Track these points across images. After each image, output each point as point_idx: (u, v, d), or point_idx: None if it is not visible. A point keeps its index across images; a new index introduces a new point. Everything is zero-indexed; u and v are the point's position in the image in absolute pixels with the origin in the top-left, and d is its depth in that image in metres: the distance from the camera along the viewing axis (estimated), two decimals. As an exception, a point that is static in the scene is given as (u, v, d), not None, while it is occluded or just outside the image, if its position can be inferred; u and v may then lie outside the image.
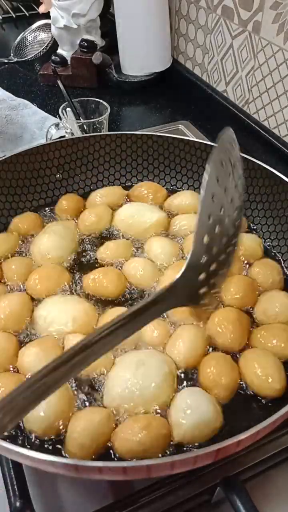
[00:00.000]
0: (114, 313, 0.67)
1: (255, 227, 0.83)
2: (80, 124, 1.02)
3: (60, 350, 0.62)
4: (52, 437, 0.55)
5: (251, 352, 0.62)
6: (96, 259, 0.77)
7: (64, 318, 0.65)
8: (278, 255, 0.78)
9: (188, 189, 0.90)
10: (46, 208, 0.86)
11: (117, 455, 0.53)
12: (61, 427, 0.55)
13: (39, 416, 0.54)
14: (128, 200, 0.87)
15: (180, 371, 0.61)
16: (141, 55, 1.31)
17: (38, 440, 0.55)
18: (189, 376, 0.61)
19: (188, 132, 1.18)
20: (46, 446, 0.54)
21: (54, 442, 0.55)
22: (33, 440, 0.55)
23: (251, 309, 0.69)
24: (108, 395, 0.57)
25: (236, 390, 0.59)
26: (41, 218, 0.83)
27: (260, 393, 0.59)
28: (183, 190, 0.90)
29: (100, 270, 0.73)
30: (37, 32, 1.54)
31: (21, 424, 0.56)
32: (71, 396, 0.58)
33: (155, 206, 0.84)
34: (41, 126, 1.19)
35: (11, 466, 0.54)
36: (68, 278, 0.72)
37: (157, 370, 0.58)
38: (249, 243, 0.76)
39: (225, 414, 0.57)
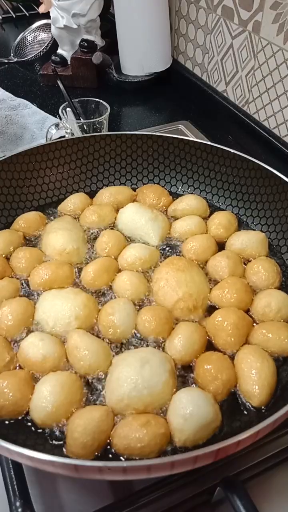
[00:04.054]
0: (113, 304, 0.67)
1: (255, 228, 0.83)
2: (80, 124, 1.02)
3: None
4: (54, 430, 0.55)
5: (245, 354, 0.62)
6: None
7: (66, 318, 0.65)
8: (278, 254, 0.78)
9: (188, 189, 0.90)
10: (47, 208, 0.86)
11: (114, 452, 0.53)
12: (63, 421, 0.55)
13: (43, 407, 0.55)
14: (133, 199, 0.88)
15: (176, 367, 0.61)
16: (141, 55, 1.31)
17: (39, 440, 0.55)
18: (185, 373, 0.61)
19: (188, 132, 1.18)
20: (47, 446, 0.54)
21: (54, 442, 0.55)
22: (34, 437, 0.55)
23: (249, 308, 0.69)
24: (114, 395, 0.57)
25: (233, 387, 0.59)
26: (44, 217, 0.83)
27: (245, 399, 0.59)
28: (182, 189, 0.90)
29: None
30: (37, 32, 1.54)
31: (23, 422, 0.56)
32: (78, 388, 0.58)
33: (155, 220, 0.80)
34: (41, 126, 1.19)
35: (11, 466, 0.54)
36: (73, 276, 0.73)
37: (161, 368, 0.58)
38: (254, 239, 0.77)
39: (224, 414, 0.57)
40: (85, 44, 1.33)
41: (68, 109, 1.03)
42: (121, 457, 0.52)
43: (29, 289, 0.72)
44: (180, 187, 0.91)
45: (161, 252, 0.78)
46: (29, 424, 0.56)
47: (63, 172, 0.89)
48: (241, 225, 0.83)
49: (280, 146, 1.05)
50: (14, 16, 1.80)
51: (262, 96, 1.08)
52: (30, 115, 1.24)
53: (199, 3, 1.20)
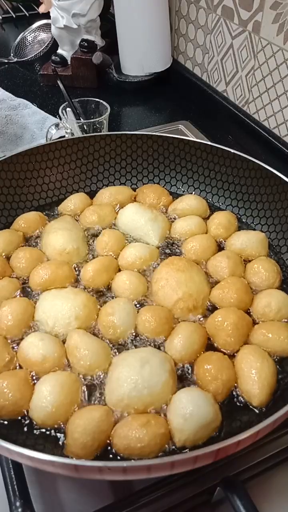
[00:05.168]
0: (113, 304, 0.67)
1: (255, 227, 0.83)
2: (80, 124, 1.02)
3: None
4: (55, 430, 0.55)
5: (245, 354, 0.61)
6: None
7: (66, 318, 0.65)
8: (278, 254, 0.78)
9: (188, 189, 0.90)
10: (47, 208, 0.86)
11: (114, 452, 0.53)
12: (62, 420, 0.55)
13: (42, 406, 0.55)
14: (133, 199, 0.88)
15: (176, 367, 0.62)
16: (141, 55, 1.31)
17: (39, 440, 0.55)
18: (185, 373, 0.61)
19: (188, 132, 1.18)
20: (46, 446, 0.54)
21: (54, 442, 0.55)
22: (35, 437, 0.55)
23: (249, 308, 0.69)
24: (114, 395, 0.57)
25: (233, 387, 0.59)
26: (44, 217, 0.83)
27: (245, 399, 0.59)
28: (182, 189, 0.90)
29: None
30: (37, 32, 1.54)
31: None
32: (78, 388, 0.58)
33: (154, 220, 0.80)
34: (41, 126, 1.19)
35: (11, 466, 0.54)
36: (73, 275, 0.73)
37: (161, 368, 0.58)
38: (254, 239, 0.77)
39: (224, 414, 0.57)
40: (85, 44, 1.33)
41: (68, 109, 1.03)
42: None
43: (29, 289, 0.72)
44: (180, 187, 0.91)
45: (161, 252, 0.78)
46: (29, 424, 0.56)
47: (63, 172, 0.89)
48: (241, 225, 0.83)
49: (280, 146, 1.05)
50: (14, 16, 1.80)
51: (262, 96, 1.08)
52: (30, 115, 1.24)
53: (199, 3, 1.20)
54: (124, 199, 0.86)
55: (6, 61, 1.51)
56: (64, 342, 0.63)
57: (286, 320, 0.67)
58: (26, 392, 0.57)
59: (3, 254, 0.76)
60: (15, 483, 0.53)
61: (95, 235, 0.81)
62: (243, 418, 0.57)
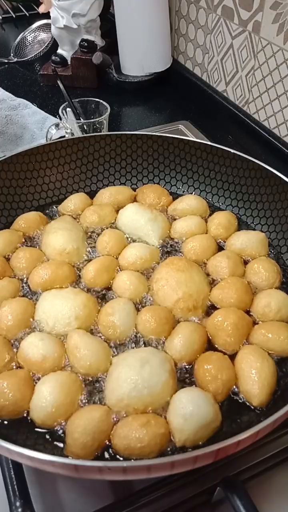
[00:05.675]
0: (113, 304, 0.67)
1: (255, 227, 0.83)
2: (80, 124, 1.02)
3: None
4: (54, 430, 0.55)
5: (245, 354, 0.61)
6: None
7: (66, 318, 0.65)
8: (278, 254, 0.78)
9: (188, 189, 0.90)
10: (47, 208, 0.86)
11: (114, 452, 0.53)
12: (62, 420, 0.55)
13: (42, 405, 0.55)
14: (133, 199, 0.88)
15: (176, 367, 0.62)
16: (141, 55, 1.31)
17: (39, 440, 0.55)
18: (185, 373, 0.61)
19: (188, 132, 1.18)
20: (47, 446, 0.54)
21: (54, 442, 0.55)
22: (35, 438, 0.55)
23: (249, 308, 0.69)
24: (114, 395, 0.57)
25: (233, 387, 0.59)
26: (44, 217, 0.83)
27: (245, 399, 0.59)
28: (182, 189, 0.90)
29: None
30: (37, 32, 1.54)
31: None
32: (78, 388, 0.58)
33: (154, 220, 0.80)
34: (41, 126, 1.19)
35: (11, 466, 0.54)
36: (73, 275, 0.73)
37: (161, 368, 0.58)
38: (254, 239, 0.77)
39: (224, 414, 0.57)
40: (85, 44, 1.33)
41: (68, 109, 1.03)
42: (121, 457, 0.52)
43: (29, 289, 0.72)
44: (180, 187, 0.91)
45: (161, 252, 0.78)
46: (29, 424, 0.56)
47: (63, 172, 0.89)
48: (241, 225, 0.83)
49: (280, 146, 1.05)
50: (14, 16, 1.80)
51: (262, 96, 1.08)
52: (30, 115, 1.24)
53: (199, 3, 1.20)
54: (124, 199, 0.86)
55: (6, 61, 1.51)
56: (64, 342, 0.63)
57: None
58: (26, 392, 0.57)
59: (3, 254, 0.76)
60: (15, 483, 0.53)
61: (95, 235, 0.81)
62: (243, 418, 0.57)
